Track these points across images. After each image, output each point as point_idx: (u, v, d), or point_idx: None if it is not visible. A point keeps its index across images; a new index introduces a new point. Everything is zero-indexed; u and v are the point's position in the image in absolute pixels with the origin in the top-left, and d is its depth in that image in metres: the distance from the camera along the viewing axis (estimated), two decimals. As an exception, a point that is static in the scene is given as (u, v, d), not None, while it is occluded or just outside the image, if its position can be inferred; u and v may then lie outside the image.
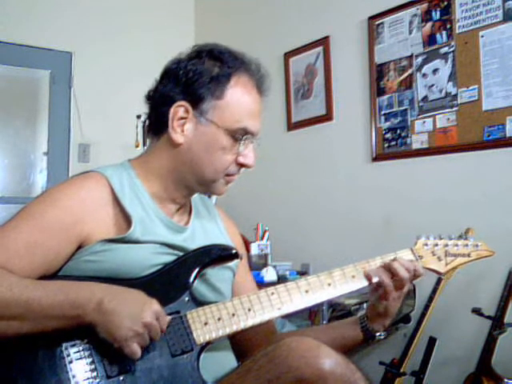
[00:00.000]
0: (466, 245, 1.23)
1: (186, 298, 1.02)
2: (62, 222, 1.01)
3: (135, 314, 0.90)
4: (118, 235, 1.04)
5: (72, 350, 0.93)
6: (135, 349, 0.90)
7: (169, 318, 0.97)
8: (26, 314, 0.90)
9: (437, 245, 1.22)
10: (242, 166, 1.13)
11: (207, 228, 1.23)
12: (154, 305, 0.94)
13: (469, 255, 1.23)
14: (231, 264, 1.19)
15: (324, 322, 2.44)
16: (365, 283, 1.13)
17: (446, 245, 1.22)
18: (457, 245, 1.23)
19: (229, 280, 1.21)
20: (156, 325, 0.92)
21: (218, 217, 1.31)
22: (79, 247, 1.03)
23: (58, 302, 0.91)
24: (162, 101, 1.12)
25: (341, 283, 1.11)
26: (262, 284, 2.37)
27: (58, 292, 0.93)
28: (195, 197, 1.25)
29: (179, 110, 1.09)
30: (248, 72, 1.12)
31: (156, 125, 1.15)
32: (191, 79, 1.09)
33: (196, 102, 1.09)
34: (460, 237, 1.26)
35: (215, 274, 1.15)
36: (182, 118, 1.10)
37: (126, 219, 1.06)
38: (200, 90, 1.08)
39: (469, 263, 1.24)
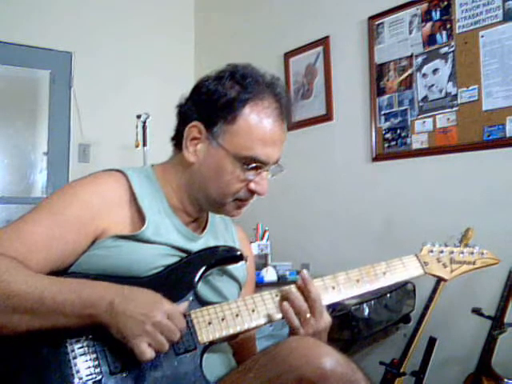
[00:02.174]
0: (472, 252, 1.24)
1: (191, 298, 1.02)
2: (80, 218, 1.02)
3: (145, 313, 0.90)
4: (130, 233, 1.05)
5: (76, 346, 0.93)
6: (143, 348, 0.89)
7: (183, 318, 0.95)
8: (38, 308, 0.90)
9: (442, 251, 1.23)
10: (253, 192, 1.11)
11: (220, 243, 1.22)
12: (166, 304, 0.93)
13: (474, 263, 1.24)
14: (240, 278, 1.20)
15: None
16: (370, 287, 1.12)
17: (452, 252, 1.23)
18: (462, 252, 1.24)
19: (235, 288, 1.21)
20: (167, 324, 0.91)
21: (236, 234, 1.30)
22: (93, 241, 1.05)
23: (70, 299, 0.91)
24: (181, 118, 1.14)
25: (345, 287, 1.11)
26: (262, 284, 2.37)
27: (72, 290, 0.93)
28: None
29: (193, 130, 1.10)
30: (270, 99, 1.09)
31: (177, 139, 1.15)
32: (208, 100, 1.08)
33: (209, 123, 1.08)
34: (466, 245, 1.27)
35: (221, 280, 1.15)
36: (195, 138, 1.10)
37: (141, 219, 1.07)
38: (214, 112, 1.08)
39: (474, 271, 1.25)
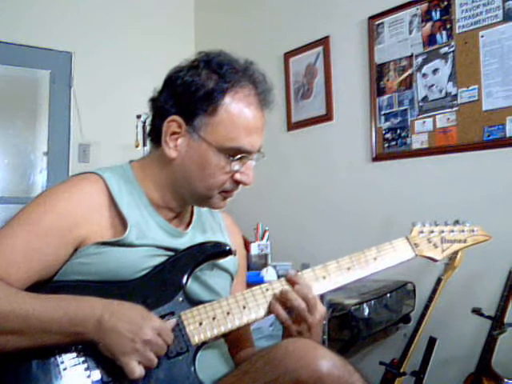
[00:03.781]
0: (462, 230, 1.21)
1: (180, 299, 1.01)
2: (59, 227, 0.99)
3: (134, 331, 0.89)
4: (113, 238, 1.03)
5: (66, 357, 0.92)
6: (133, 366, 0.88)
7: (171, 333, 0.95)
8: (24, 328, 0.89)
9: (432, 231, 1.20)
10: (238, 183, 1.09)
11: (208, 235, 1.20)
12: (154, 321, 0.92)
13: (465, 241, 1.21)
14: (231, 269, 1.19)
15: (324, 322, 2.43)
16: (361, 274, 1.11)
17: (442, 231, 1.20)
18: (452, 230, 1.21)
19: (226, 280, 1.19)
20: (157, 341, 0.90)
21: (223, 222, 1.28)
22: (76, 249, 1.02)
23: (57, 317, 0.90)
24: (157, 112, 1.10)
25: (336, 275, 1.10)
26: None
27: (58, 308, 0.91)
28: None
29: (172, 124, 1.05)
30: (248, 86, 1.06)
31: (154, 135, 1.12)
32: (185, 92, 1.04)
33: (189, 117, 1.04)
34: (456, 222, 1.23)
35: (212, 275, 1.13)
36: (174, 133, 1.06)
37: (123, 222, 1.04)
38: (193, 104, 1.04)
39: (465, 249, 1.22)
